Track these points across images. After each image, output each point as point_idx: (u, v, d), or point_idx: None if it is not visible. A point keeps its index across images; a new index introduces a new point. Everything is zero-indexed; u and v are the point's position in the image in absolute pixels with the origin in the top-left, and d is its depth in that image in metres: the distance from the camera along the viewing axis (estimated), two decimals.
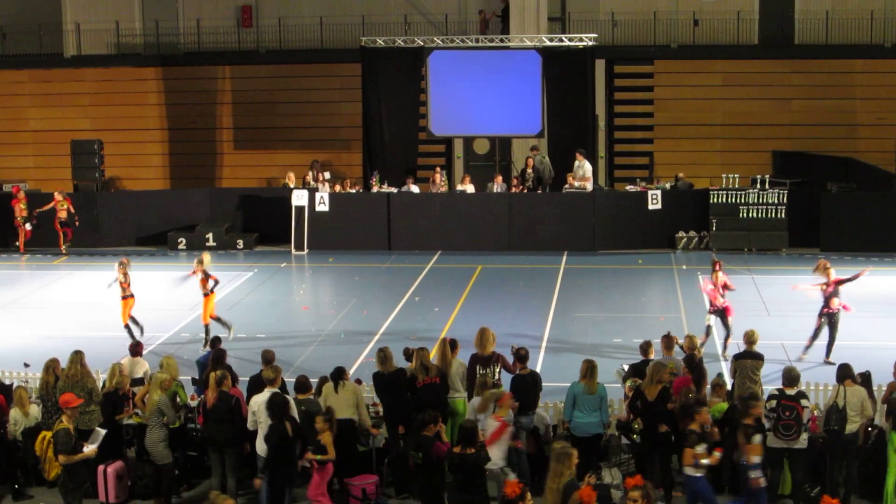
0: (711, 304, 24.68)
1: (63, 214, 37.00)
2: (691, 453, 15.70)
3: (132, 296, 25.99)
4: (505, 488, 12.86)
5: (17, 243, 37.34)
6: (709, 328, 24.79)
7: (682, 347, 20.26)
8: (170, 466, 17.36)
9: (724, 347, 24.29)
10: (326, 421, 16.56)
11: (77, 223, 37.17)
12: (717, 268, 24.59)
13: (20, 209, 37.02)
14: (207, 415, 17.39)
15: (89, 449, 16.21)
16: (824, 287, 23.99)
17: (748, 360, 19.19)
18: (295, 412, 17.03)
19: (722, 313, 24.41)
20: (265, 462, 16.65)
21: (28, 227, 37.06)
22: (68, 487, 15.95)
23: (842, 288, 23.94)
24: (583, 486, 13.61)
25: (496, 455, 16.27)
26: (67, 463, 15.80)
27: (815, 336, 24.10)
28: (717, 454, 15.94)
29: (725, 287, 24.44)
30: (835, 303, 23.81)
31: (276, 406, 16.66)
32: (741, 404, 16.91)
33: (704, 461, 15.72)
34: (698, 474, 15.77)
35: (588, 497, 13.11)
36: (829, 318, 23.93)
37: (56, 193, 37.14)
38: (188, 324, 26.82)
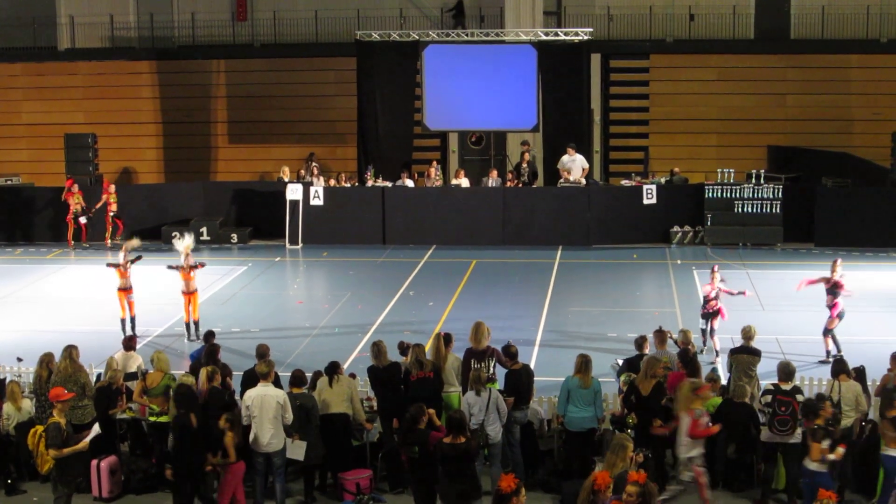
0: (704, 307, 24.44)
1: (115, 207, 37.00)
2: (818, 448, 15.81)
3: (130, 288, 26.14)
4: (500, 482, 12.80)
5: (67, 237, 37.14)
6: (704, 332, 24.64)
7: (675, 342, 20.26)
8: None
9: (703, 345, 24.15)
10: (228, 421, 16.45)
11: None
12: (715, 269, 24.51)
13: (74, 202, 36.91)
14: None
15: (81, 443, 16.12)
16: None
17: (745, 355, 19.19)
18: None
19: (713, 314, 24.27)
20: (168, 452, 16.82)
21: (83, 220, 36.93)
22: (60, 482, 15.88)
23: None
24: (598, 471, 13.53)
25: (688, 449, 16.52)
26: (58, 457, 15.73)
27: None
28: (840, 450, 16.05)
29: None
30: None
31: (182, 397, 16.94)
32: (886, 396, 16.90)
33: (830, 457, 15.84)
34: (823, 469, 15.90)
35: (602, 480, 13.01)
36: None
37: (110, 186, 37.14)
38: (181, 318, 26.73)
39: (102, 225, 37.26)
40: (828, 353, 23.55)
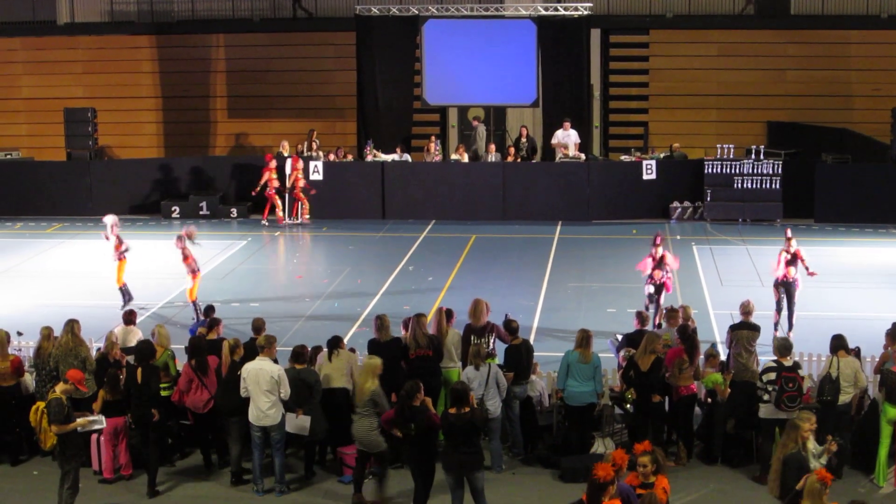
0: (650, 278, 24.05)
1: (301, 182, 36.72)
2: None
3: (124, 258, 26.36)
4: (596, 471, 12.49)
5: (272, 213, 36.83)
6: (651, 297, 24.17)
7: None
8: (387, 454, 16.88)
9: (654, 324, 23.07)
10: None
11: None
12: (658, 242, 24.20)
13: (272, 178, 36.65)
14: (223, 384, 17.61)
15: (81, 419, 16.10)
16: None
17: (744, 330, 19.16)
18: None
19: (659, 288, 24.05)
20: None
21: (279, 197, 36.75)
22: (63, 457, 15.90)
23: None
24: (613, 451, 13.49)
25: None
26: (60, 433, 15.73)
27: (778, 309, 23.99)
28: None
29: (663, 260, 24.05)
30: (791, 272, 23.64)
31: (138, 352, 17.61)
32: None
33: None
34: None
35: (620, 460, 12.99)
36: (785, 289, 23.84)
37: (298, 163, 36.85)
38: (181, 293, 26.77)
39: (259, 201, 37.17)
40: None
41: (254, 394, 16.82)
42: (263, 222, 36.65)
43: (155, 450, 17.30)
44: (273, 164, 36.67)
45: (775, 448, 13.87)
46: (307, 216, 36.91)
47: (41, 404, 16.36)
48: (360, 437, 16.64)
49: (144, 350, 17.60)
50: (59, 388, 16.05)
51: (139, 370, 17.11)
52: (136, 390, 17.08)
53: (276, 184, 36.61)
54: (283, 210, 36.82)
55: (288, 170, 36.54)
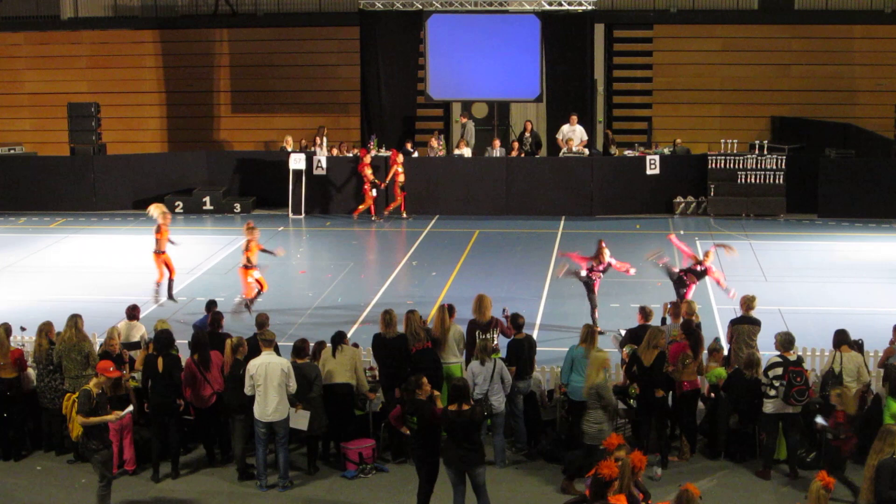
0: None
1: (402, 178, 36.48)
2: None
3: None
4: (601, 469, 12.56)
5: (360, 207, 36.58)
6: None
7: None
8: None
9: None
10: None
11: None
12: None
13: (367, 174, 36.51)
14: (227, 381, 17.63)
15: (111, 415, 16.11)
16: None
17: (745, 325, 19.18)
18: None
19: (588, 285, 24.10)
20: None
21: (374, 192, 36.44)
22: (86, 449, 15.97)
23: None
24: (631, 454, 13.43)
25: None
26: (84, 424, 15.79)
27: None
28: None
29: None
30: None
31: (158, 341, 17.68)
32: None
33: None
34: None
35: (639, 462, 12.99)
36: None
37: (399, 157, 36.67)
38: (185, 287, 26.78)
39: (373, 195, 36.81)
40: None
41: (265, 390, 16.79)
42: (376, 219, 36.72)
43: (176, 435, 17.49)
44: (368, 158, 36.63)
45: (871, 456, 13.86)
46: (404, 212, 36.75)
47: (74, 395, 16.51)
48: (586, 430, 16.71)
49: (163, 339, 17.62)
50: (93, 381, 16.13)
51: (160, 359, 17.24)
52: (156, 380, 17.22)
53: (401, 178, 36.45)
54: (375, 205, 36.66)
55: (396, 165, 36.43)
